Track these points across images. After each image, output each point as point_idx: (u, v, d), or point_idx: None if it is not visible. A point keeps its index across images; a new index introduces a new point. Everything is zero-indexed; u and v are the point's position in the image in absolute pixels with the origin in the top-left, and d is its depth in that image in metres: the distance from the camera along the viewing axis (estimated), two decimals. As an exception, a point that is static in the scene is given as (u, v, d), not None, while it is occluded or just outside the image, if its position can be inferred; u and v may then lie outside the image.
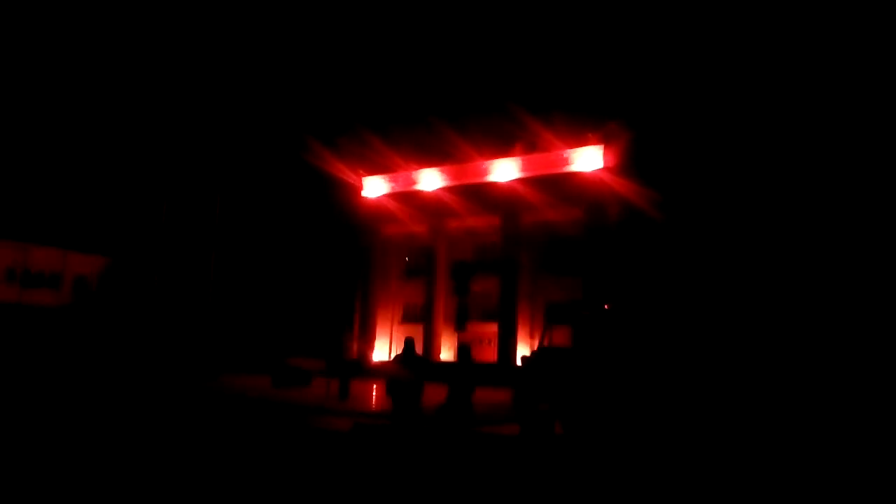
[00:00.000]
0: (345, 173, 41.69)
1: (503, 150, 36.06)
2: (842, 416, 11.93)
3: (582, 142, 33.60)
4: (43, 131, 51.23)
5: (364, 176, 41.46)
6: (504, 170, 36.08)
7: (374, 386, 26.66)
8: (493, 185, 36.11)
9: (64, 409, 16.15)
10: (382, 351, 39.77)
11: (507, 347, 33.82)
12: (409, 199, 39.19)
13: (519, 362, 17.45)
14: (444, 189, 37.82)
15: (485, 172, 36.81)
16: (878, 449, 10.58)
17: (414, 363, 11.80)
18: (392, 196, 40.10)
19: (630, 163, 31.71)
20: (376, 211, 40.60)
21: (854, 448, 11.30)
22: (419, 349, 32.89)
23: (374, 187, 41.21)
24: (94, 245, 52.80)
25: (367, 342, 39.89)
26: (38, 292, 49.78)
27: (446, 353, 35.77)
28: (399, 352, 11.99)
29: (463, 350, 12.82)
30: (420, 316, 39.36)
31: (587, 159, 33.51)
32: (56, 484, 8.04)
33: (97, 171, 53.24)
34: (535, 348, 15.60)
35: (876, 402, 11.83)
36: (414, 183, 39.40)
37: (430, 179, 38.72)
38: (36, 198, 51.82)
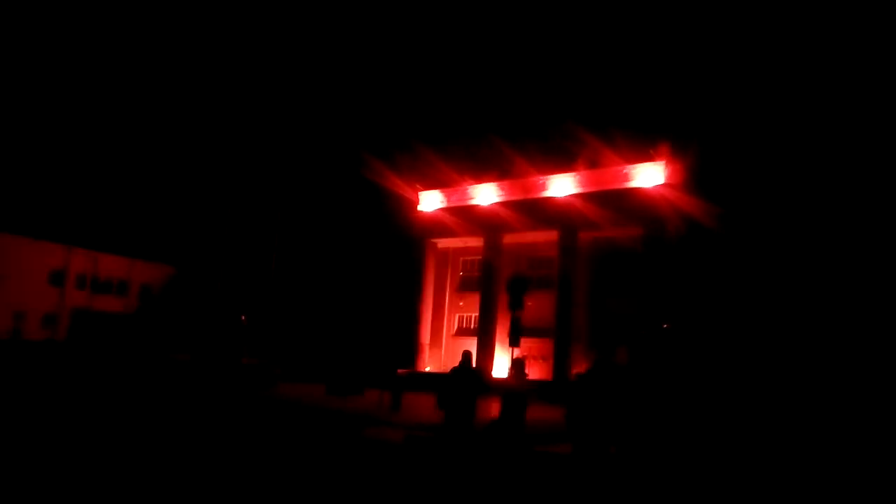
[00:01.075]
0: (401, 188, 42.08)
1: (561, 166, 35.77)
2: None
3: (642, 158, 33.05)
4: (116, 147, 53.38)
5: (420, 190, 41.74)
6: (562, 185, 35.77)
7: (426, 398, 26.64)
8: (551, 200, 35.82)
9: (125, 411, 16.63)
10: (435, 363, 39.79)
11: (562, 364, 33.39)
12: (464, 212, 39.25)
13: (573, 379, 17.18)
14: (500, 204, 37.73)
15: (542, 188, 36.57)
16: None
17: (469, 377, 11.72)
18: (448, 210, 40.23)
19: (692, 179, 31.02)
20: (432, 224, 40.79)
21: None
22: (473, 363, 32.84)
23: (430, 201, 41.43)
24: (160, 254, 54.66)
25: (421, 354, 39.98)
26: (106, 298, 51.74)
27: (499, 368, 35.53)
28: (455, 365, 11.93)
29: (517, 365, 12.69)
30: (474, 329, 39.30)
31: (648, 175, 32.94)
32: (121, 484, 8.26)
33: (164, 183, 55.11)
34: (590, 366, 15.30)
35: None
36: (470, 197, 39.46)
37: (486, 194, 38.72)
38: (106, 208, 53.91)
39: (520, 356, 12.59)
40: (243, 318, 38.25)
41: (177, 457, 10.45)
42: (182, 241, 55.11)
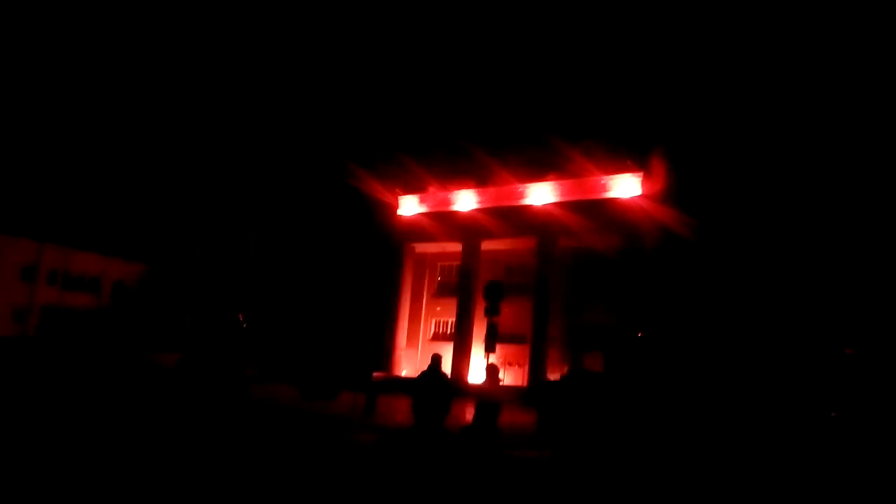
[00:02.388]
0: (381, 192, 42.04)
1: (539, 175, 35.98)
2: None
3: (620, 169, 33.36)
4: (85, 141, 52.73)
5: (400, 195, 41.73)
6: (540, 194, 35.97)
7: (401, 402, 26.55)
8: (529, 208, 36.01)
9: (95, 408, 16.39)
10: (411, 367, 39.71)
11: (537, 370, 33.50)
12: (443, 218, 39.29)
13: (547, 385, 17.28)
14: (478, 210, 37.85)
15: (520, 195, 36.75)
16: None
17: (439, 381, 11.72)
18: (427, 215, 40.25)
19: (669, 190, 31.37)
20: (411, 229, 40.78)
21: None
22: (448, 368, 32.82)
23: (410, 206, 41.43)
24: (133, 252, 53.98)
25: (396, 358, 39.89)
26: (78, 295, 50.94)
27: (475, 373, 35.56)
28: (425, 369, 11.93)
29: (491, 370, 12.71)
30: (450, 334, 39.31)
31: (625, 186, 33.24)
32: (83, 485, 8.14)
33: (138, 181, 54.52)
34: (566, 373, 15.43)
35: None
36: (449, 203, 39.52)
37: (465, 200, 38.81)
38: (77, 204, 53.17)
39: (494, 362, 12.61)
40: (241, 316, 37.17)
41: (146, 459, 10.32)
42: (158, 240, 54.53)
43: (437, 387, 11.53)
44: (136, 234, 53.99)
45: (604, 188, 34.00)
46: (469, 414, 11.91)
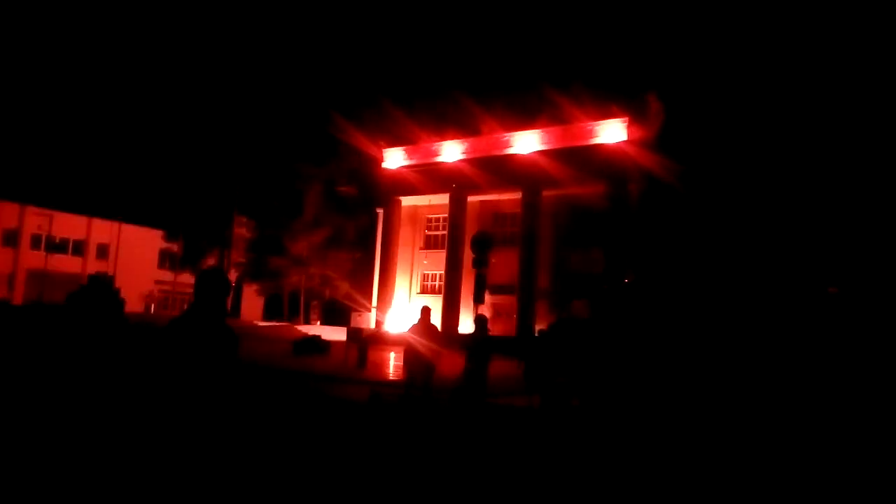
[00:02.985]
0: (366, 144, 41.59)
1: (525, 123, 35.65)
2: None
3: (606, 114, 33.10)
4: (67, 104, 51.62)
5: (385, 147, 41.31)
6: (526, 142, 35.72)
7: (392, 355, 26.81)
8: (515, 157, 35.79)
9: (93, 368, 16.41)
10: (401, 321, 39.97)
11: (526, 320, 33.80)
12: (429, 170, 39.01)
13: (536, 334, 17.44)
14: (464, 161, 37.59)
15: (506, 145, 36.48)
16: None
17: (431, 332, 11.78)
18: (412, 168, 39.94)
19: (654, 135, 31.20)
20: (396, 181, 40.50)
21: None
22: (437, 320, 33.01)
23: (395, 158, 41.06)
24: (118, 212, 53.33)
25: (386, 312, 40.08)
26: (63, 258, 50.50)
27: (464, 325, 35.83)
28: (416, 322, 11.96)
29: (479, 321, 12.76)
30: (438, 287, 39.49)
31: (611, 132, 33.05)
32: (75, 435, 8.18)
33: (121, 139, 53.64)
34: (552, 321, 15.56)
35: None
36: (435, 154, 39.20)
37: (450, 151, 38.48)
38: (59, 165, 52.33)
39: (482, 313, 12.67)
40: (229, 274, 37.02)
41: (136, 418, 10.37)
42: (141, 198, 53.91)
43: (426, 338, 11.59)
44: (120, 194, 53.32)
45: (589, 134, 33.80)
46: (459, 365, 12.01)
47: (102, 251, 53.33)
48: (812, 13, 28.17)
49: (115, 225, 51.86)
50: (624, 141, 32.45)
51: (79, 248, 52.72)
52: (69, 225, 51.81)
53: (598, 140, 33.37)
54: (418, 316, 12.01)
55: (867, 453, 9.42)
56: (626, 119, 32.55)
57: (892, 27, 26.17)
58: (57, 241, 50.96)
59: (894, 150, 25.42)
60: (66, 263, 50.58)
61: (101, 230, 53.24)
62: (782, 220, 26.80)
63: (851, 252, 24.80)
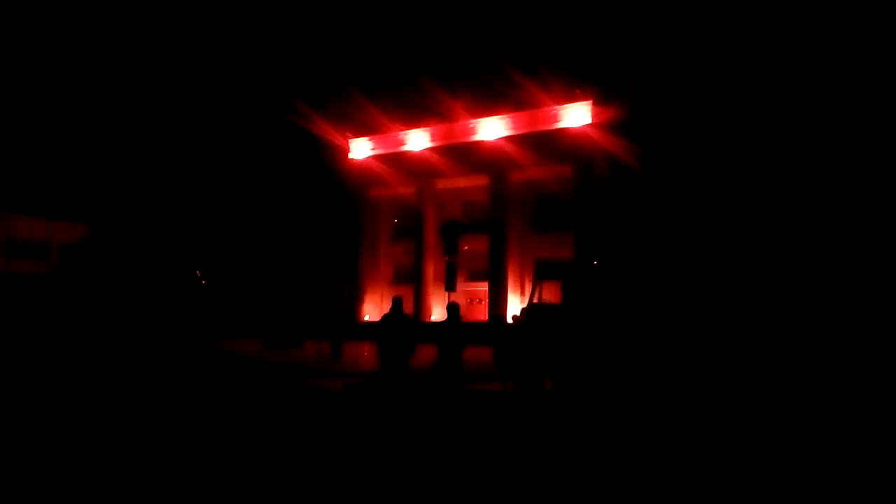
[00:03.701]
0: (332, 135, 41.34)
1: (491, 108, 35.74)
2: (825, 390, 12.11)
3: (570, 98, 33.34)
4: (21, 101, 50.31)
5: (351, 138, 41.12)
6: (492, 128, 35.83)
7: (366, 347, 26.80)
8: (481, 143, 35.90)
9: (58, 375, 16.17)
10: (373, 312, 39.95)
11: (498, 306, 34.04)
12: (396, 160, 38.95)
13: (510, 320, 17.60)
14: (431, 149, 37.59)
15: (472, 131, 36.56)
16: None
17: (402, 323, 11.83)
18: (379, 157, 39.85)
19: (618, 118, 31.54)
20: (364, 172, 40.38)
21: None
22: (409, 310, 33.08)
23: (362, 149, 40.90)
24: (80, 214, 52.28)
25: (358, 303, 40.03)
26: (24, 262, 49.45)
27: (437, 314, 35.96)
28: (387, 312, 12.00)
29: (452, 309, 12.83)
30: (410, 276, 39.50)
31: (575, 115, 33.30)
32: (53, 440, 8.09)
33: (80, 139, 52.53)
34: (525, 305, 15.72)
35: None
36: (401, 144, 39.14)
37: (417, 140, 38.44)
38: (19, 168, 51.14)
39: (454, 301, 12.75)
40: (198, 272, 35.97)
41: (119, 416, 10.27)
42: (103, 198, 52.89)
43: (400, 329, 11.64)
44: (79, 196, 52.24)
45: (554, 118, 34.04)
46: (431, 353, 12.09)
47: (65, 253, 52.33)
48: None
49: (78, 227, 50.90)
50: (588, 124, 32.73)
51: (42, 251, 51.66)
52: (30, 228, 50.75)
53: (563, 124, 33.62)
54: (390, 306, 12.06)
55: (834, 443, 9.72)
56: (591, 101, 32.82)
57: (854, 13, 26.67)
58: (18, 243, 49.93)
59: (855, 130, 26.01)
60: (29, 267, 49.59)
61: (62, 233, 52.24)
62: (746, 202, 27.32)
63: (815, 234, 25.39)
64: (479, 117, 36.14)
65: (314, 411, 11.49)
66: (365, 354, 24.82)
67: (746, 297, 13.14)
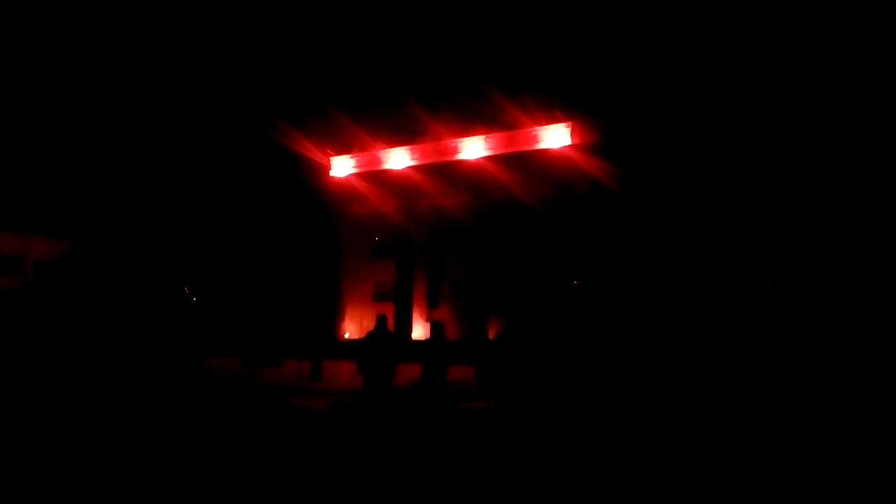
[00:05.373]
0: (313, 153, 41.42)
1: (472, 128, 36.08)
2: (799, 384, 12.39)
3: (550, 119, 33.81)
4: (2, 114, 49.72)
5: (332, 155, 41.24)
6: (473, 148, 36.17)
7: (346, 365, 26.74)
8: (462, 163, 36.21)
9: (38, 390, 16.00)
10: (354, 330, 39.84)
11: (480, 325, 34.08)
12: (377, 178, 39.11)
13: (491, 339, 17.75)
14: (412, 168, 37.80)
15: (454, 151, 36.86)
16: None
17: (386, 341, 11.91)
18: (360, 175, 39.99)
19: (597, 140, 32.04)
20: (345, 190, 40.47)
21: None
22: (391, 328, 33.05)
23: (343, 167, 41.02)
24: (57, 229, 51.68)
25: (338, 321, 39.92)
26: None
27: (419, 332, 35.97)
28: (371, 329, 12.06)
29: (436, 327, 12.96)
30: (391, 295, 39.44)
31: (555, 137, 33.77)
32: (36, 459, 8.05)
33: (57, 153, 52.01)
34: (505, 325, 15.88)
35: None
36: (382, 162, 39.32)
37: (398, 158, 38.65)
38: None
39: (437, 319, 12.88)
40: (187, 290, 35.25)
41: (99, 434, 10.22)
42: (80, 213, 52.30)
43: (385, 347, 11.73)
44: (58, 211, 51.60)
45: (534, 139, 34.48)
46: (415, 372, 12.19)
47: (41, 268, 51.63)
48: (753, 19, 29.25)
49: (56, 242, 50.31)
50: (568, 146, 33.19)
51: (16, 266, 50.92)
52: (4, 242, 50.05)
53: (542, 145, 34.07)
54: (374, 324, 12.14)
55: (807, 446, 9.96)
56: (569, 123, 33.33)
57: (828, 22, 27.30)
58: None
59: (835, 147, 26.61)
60: (3, 281, 48.81)
61: (39, 247, 51.56)
62: (723, 221, 27.82)
63: (790, 248, 25.94)
64: (460, 137, 36.46)
65: (303, 430, 11.51)
66: (345, 373, 24.77)
67: (725, 314, 13.44)
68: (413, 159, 38.10)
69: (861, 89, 26.30)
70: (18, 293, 48.19)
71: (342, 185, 40.66)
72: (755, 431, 10.89)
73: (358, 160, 40.46)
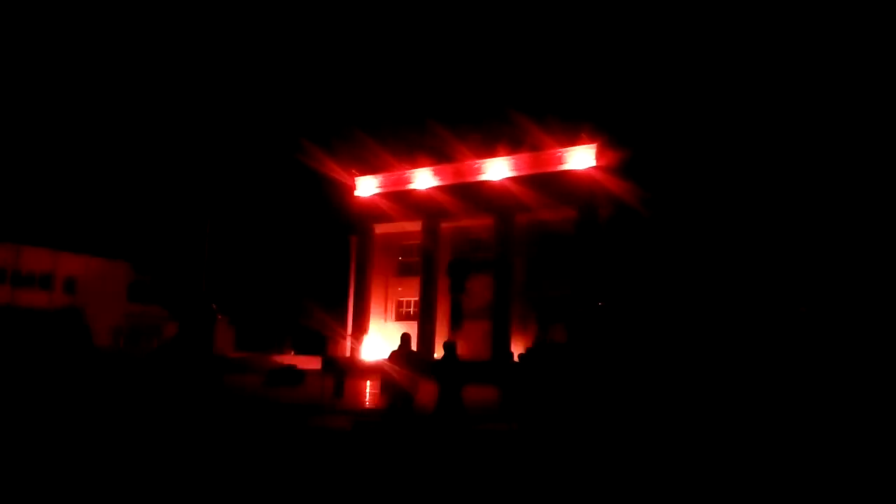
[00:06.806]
0: (338, 173, 41.78)
1: (496, 150, 36.14)
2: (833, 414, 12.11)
3: (575, 141, 33.73)
4: (32, 133, 51.01)
5: (357, 175, 41.54)
6: (497, 169, 36.18)
7: (368, 383, 26.70)
8: (486, 183, 36.22)
9: (64, 407, 16.12)
10: (376, 349, 39.84)
11: (502, 345, 33.92)
12: (402, 197, 39.26)
13: (516, 359, 17.59)
14: (437, 188, 37.90)
15: (478, 171, 36.92)
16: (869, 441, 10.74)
17: (411, 359, 11.82)
18: (385, 195, 40.19)
19: (622, 161, 31.87)
20: (369, 210, 40.67)
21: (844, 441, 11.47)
22: (413, 347, 32.98)
23: (367, 186, 41.28)
24: (86, 245, 52.59)
25: (361, 340, 39.95)
26: (29, 293, 49.50)
27: (440, 351, 35.86)
28: (395, 348, 11.98)
29: (448, 347, 12.79)
30: (414, 314, 39.47)
31: (580, 158, 33.66)
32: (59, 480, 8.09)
33: (90, 172, 53.07)
34: (530, 346, 15.74)
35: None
36: (407, 182, 39.50)
37: (423, 178, 38.81)
38: (27, 199, 51.54)
39: (451, 338, 12.76)
40: (214, 306, 35.70)
41: (119, 450, 10.25)
42: (111, 231, 53.23)
43: (408, 366, 11.63)
44: (90, 227, 52.59)
45: (559, 160, 34.40)
46: (432, 390, 12.08)
47: (70, 285, 52.42)
48: (770, 40, 29.16)
49: (83, 258, 51.18)
50: (593, 167, 33.06)
51: (46, 282, 51.77)
52: (36, 258, 50.94)
53: (567, 166, 33.96)
54: (398, 343, 12.06)
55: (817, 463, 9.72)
56: (595, 144, 33.21)
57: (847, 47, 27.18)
58: (23, 274, 50.07)
59: (867, 176, 26.30)
60: (34, 298, 49.59)
61: (69, 263, 52.40)
62: (749, 242, 27.48)
63: (821, 270, 25.54)
64: (485, 158, 36.54)
65: (324, 450, 11.46)
66: (367, 391, 24.73)
67: (749, 338, 13.20)
68: (437, 179, 38.22)
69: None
70: (48, 310, 48.77)
71: (367, 204, 40.88)
72: (787, 455, 10.65)
73: (382, 180, 40.70)
